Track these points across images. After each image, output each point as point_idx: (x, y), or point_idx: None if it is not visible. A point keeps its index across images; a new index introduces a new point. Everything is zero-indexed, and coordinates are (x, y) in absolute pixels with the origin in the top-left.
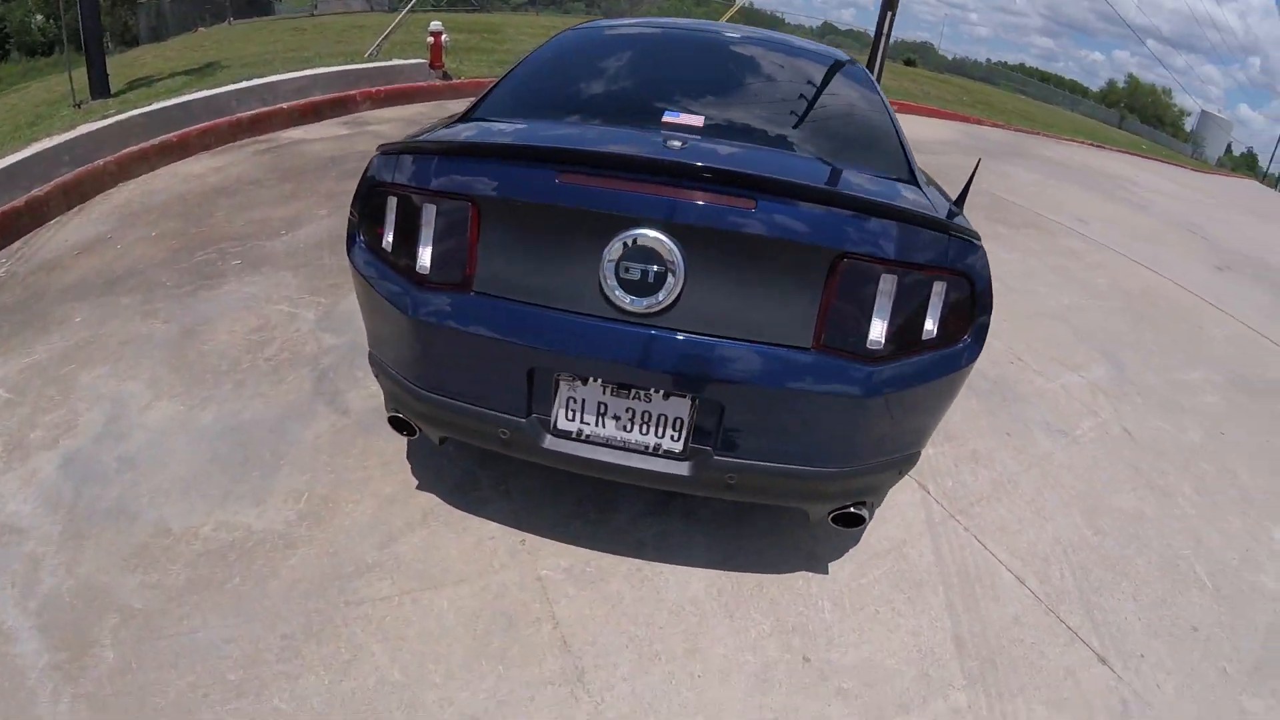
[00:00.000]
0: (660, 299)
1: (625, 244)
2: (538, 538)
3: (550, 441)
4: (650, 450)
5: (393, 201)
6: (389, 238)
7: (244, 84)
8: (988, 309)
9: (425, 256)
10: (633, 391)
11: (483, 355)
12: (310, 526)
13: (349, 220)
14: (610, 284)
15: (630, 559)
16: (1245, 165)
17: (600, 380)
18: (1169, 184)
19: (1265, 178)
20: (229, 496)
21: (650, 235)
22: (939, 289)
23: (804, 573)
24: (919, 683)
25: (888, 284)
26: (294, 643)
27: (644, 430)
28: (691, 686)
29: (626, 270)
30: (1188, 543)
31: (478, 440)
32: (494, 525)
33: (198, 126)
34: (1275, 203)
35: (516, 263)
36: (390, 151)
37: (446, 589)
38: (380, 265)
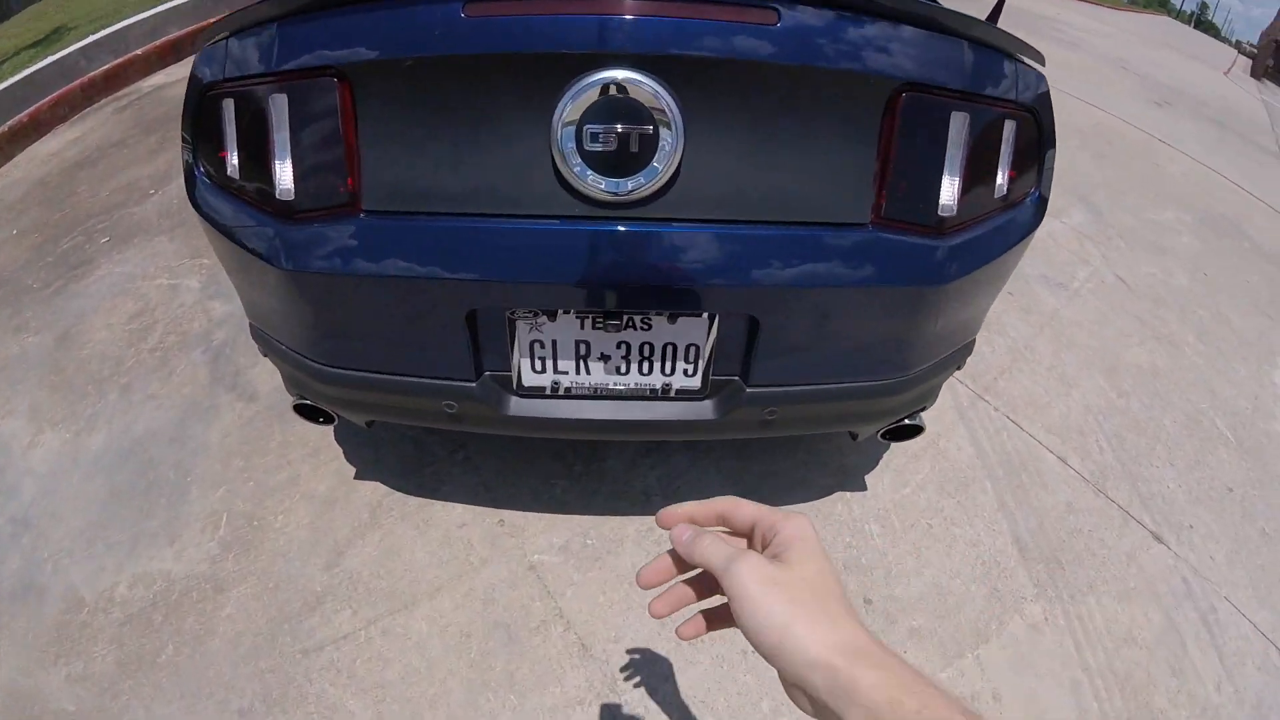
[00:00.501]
0: (653, 175)
1: (588, 97)
2: (518, 513)
3: (516, 405)
4: (658, 394)
5: (229, 106)
6: (234, 159)
7: (91, 39)
8: (1053, 155)
9: (285, 174)
10: (625, 319)
11: (396, 303)
12: (239, 558)
13: (182, 149)
14: (571, 163)
15: (637, 518)
16: (1157, 2)
17: (574, 311)
18: (1093, 22)
19: (1179, 15)
20: (139, 539)
21: (624, 78)
22: (1009, 132)
23: (841, 494)
24: (991, 602)
25: (959, 125)
26: (254, 719)
27: (646, 369)
28: (748, 667)
29: (594, 138)
30: (1204, 395)
31: (417, 420)
32: (460, 508)
33: (48, 99)
34: (1192, 40)
35: (420, 157)
36: (216, 37)
37: (421, 606)
38: (231, 201)
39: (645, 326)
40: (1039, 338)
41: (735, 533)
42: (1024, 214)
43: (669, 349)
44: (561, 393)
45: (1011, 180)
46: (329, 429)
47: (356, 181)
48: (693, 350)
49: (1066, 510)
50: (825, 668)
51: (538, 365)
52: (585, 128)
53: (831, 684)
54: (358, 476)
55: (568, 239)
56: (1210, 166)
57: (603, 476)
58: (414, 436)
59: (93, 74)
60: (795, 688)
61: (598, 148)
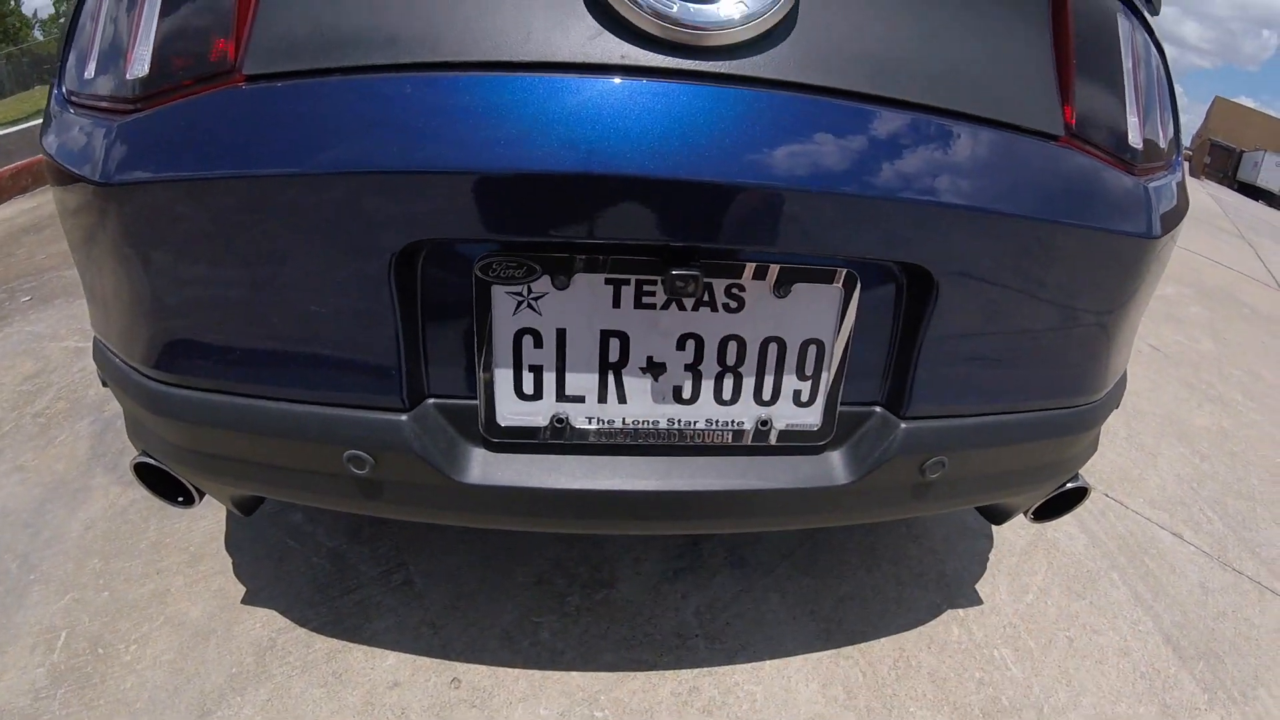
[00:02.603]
0: (760, 5)
1: None
2: (483, 669)
3: (484, 465)
4: (746, 441)
5: None
6: (96, 48)
7: None
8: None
9: (145, 46)
10: (699, 284)
11: (269, 238)
12: (69, 697)
13: (50, 88)
14: None
15: (672, 673)
16: None
17: (606, 264)
18: None
19: None
20: None
21: None
22: (1156, 67)
23: (953, 612)
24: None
25: (1128, 35)
26: None
27: (729, 391)
28: None
29: None
30: (1274, 449)
31: (305, 491)
32: (393, 658)
33: (9, 168)
34: None
35: None
36: None
37: None
38: (78, 117)
39: (733, 303)
40: None
41: None
42: (1178, 181)
43: (771, 350)
44: (568, 439)
45: (1161, 130)
46: (221, 527)
47: (243, 33)
48: (813, 353)
49: (1203, 592)
50: None
51: (528, 381)
52: None
53: None
54: (247, 600)
55: (602, 108)
56: (1187, 249)
57: (612, 610)
58: (333, 547)
59: None
60: None
61: None
